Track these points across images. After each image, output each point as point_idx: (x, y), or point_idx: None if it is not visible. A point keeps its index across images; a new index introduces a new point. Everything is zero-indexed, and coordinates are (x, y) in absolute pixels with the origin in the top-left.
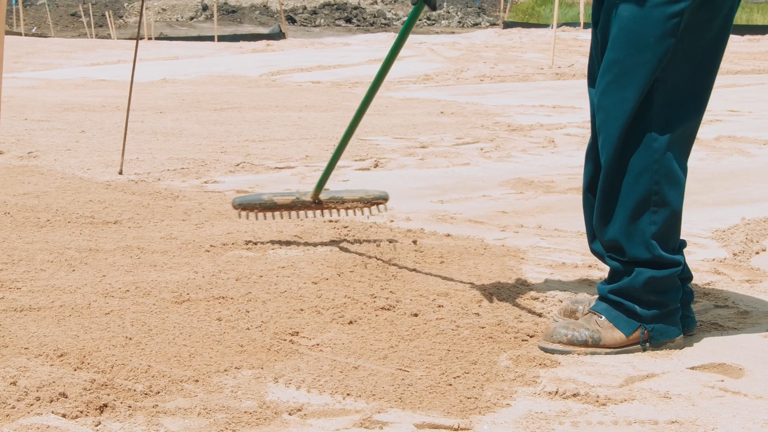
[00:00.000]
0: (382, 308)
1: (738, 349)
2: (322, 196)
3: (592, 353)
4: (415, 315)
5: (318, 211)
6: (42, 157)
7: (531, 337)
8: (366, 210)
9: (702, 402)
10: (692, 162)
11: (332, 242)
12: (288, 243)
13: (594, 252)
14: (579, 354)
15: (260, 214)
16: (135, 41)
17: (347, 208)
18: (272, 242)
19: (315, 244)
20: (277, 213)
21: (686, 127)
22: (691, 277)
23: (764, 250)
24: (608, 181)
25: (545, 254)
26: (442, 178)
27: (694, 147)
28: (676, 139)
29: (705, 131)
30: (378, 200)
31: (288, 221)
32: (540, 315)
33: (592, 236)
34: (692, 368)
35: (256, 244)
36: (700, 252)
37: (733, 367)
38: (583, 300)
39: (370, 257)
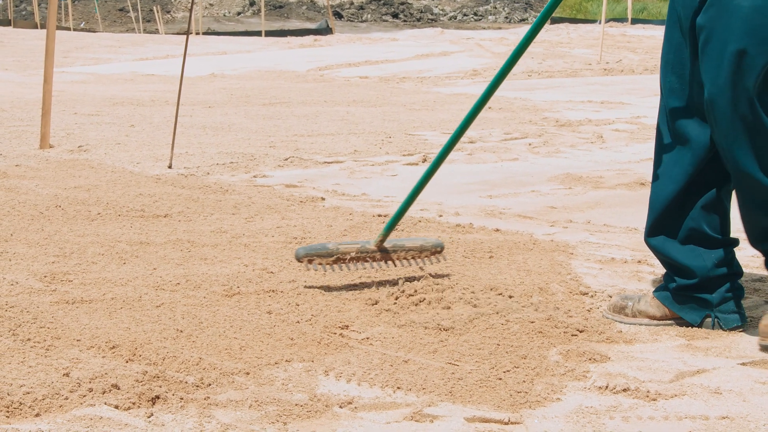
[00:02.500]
0: (431, 302)
1: None
2: (386, 244)
3: None
4: (465, 309)
5: (382, 262)
6: (92, 150)
7: (580, 332)
8: (426, 259)
9: (753, 398)
10: None
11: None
12: (338, 237)
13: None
14: None
15: (327, 265)
16: (184, 36)
17: (408, 258)
18: (322, 237)
19: (365, 239)
20: (341, 263)
21: None
22: (741, 273)
23: None
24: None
25: (594, 249)
26: (490, 173)
27: None
28: None
29: None
30: (437, 248)
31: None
32: (589, 310)
33: (657, 230)
34: (743, 364)
35: (306, 238)
36: (749, 248)
37: None
38: (632, 296)
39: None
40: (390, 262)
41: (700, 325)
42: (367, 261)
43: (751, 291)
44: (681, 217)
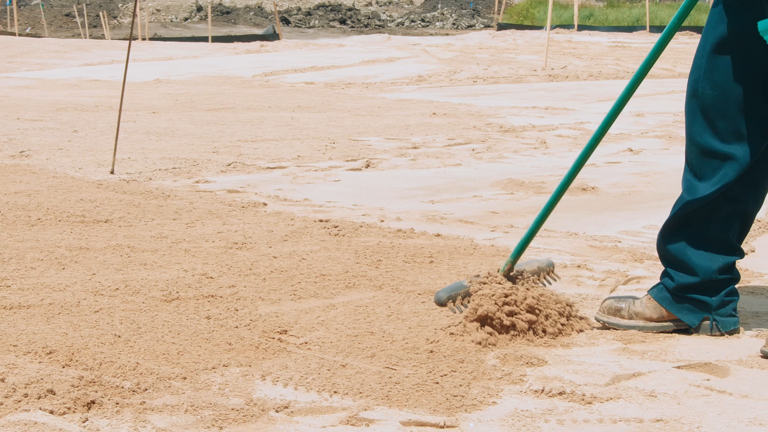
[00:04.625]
0: (370, 308)
1: (725, 348)
2: (512, 272)
3: None
4: (404, 314)
5: None
6: (34, 156)
7: (520, 335)
8: (544, 281)
9: (687, 401)
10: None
11: (323, 242)
12: (279, 243)
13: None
14: None
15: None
16: (130, 41)
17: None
18: (263, 242)
19: (306, 244)
20: None
21: None
22: (739, 278)
23: (753, 251)
24: None
25: (535, 254)
26: (433, 178)
27: None
28: None
29: None
30: (550, 268)
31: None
32: (528, 313)
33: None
34: (678, 367)
35: (246, 243)
36: None
37: (719, 366)
38: (626, 298)
39: (360, 257)
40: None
41: (697, 328)
42: None
43: None
44: (708, 221)
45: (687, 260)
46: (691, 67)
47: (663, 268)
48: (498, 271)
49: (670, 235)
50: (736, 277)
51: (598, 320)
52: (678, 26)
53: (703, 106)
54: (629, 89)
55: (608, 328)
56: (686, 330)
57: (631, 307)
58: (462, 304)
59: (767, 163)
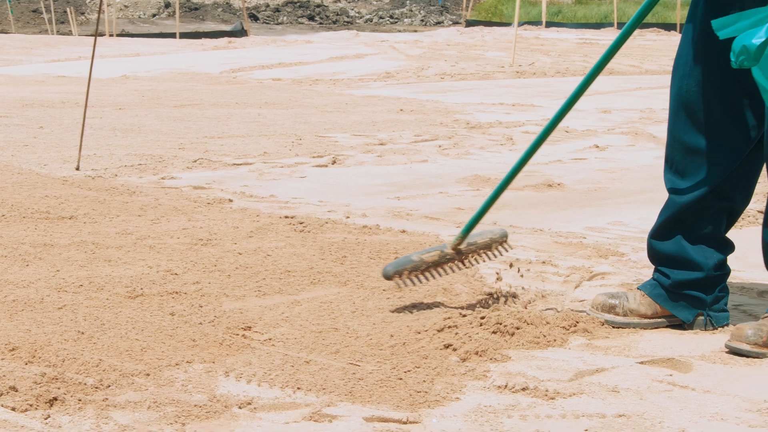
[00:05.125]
0: (335, 304)
1: (688, 343)
2: (462, 246)
3: None
4: (369, 310)
5: (460, 263)
6: None
7: (483, 331)
8: (496, 251)
9: (650, 396)
10: (651, 160)
11: (288, 238)
12: (244, 239)
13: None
14: None
15: (414, 278)
16: (95, 37)
17: (480, 254)
18: (228, 238)
19: (271, 240)
20: (428, 273)
21: None
22: (730, 273)
23: None
24: None
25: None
26: (399, 175)
27: (652, 145)
28: None
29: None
30: (503, 239)
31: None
32: (492, 310)
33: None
34: (642, 363)
35: (211, 239)
36: None
37: (682, 361)
38: (619, 294)
39: (325, 253)
40: (466, 262)
41: (691, 324)
42: (446, 265)
43: None
44: (701, 219)
45: (687, 257)
46: (674, 64)
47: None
48: (449, 246)
49: (664, 237)
50: (728, 272)
51: (594, 317)
52: (638, 23)
53: (687, 104)
54: (588, 78)
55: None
56: (679, 325)
57: (625, 304)
58: (408, 278)
59: (755, 161)
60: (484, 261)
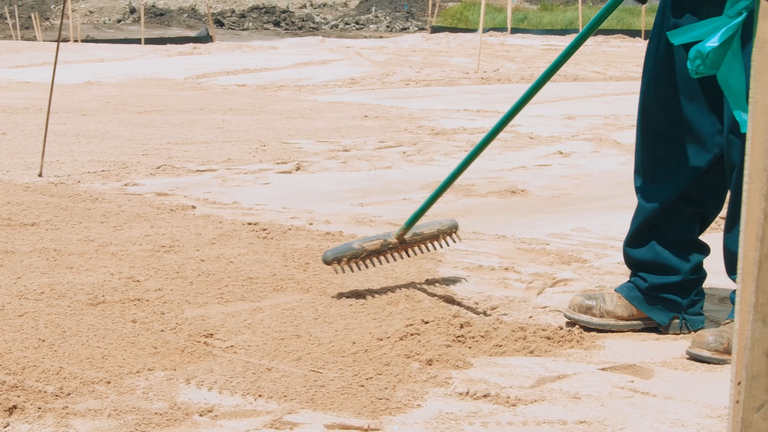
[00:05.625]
0: (297, 311)
1: (649, 350)
2: (406, 236)
3: None
4: (331, 317)
5: (404, 252)
6: None
7: (446, 337)
8: (443, 242)
9: (611, 402)
10: (614, 166)
11: (251, 245)
12: (207, 246)
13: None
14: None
15: (354, 264)
16: (62, 43)
17: (427, 244)
18: (191, 245)
19: (234, 247)
20: (368, 260)
21: None
22: (706, 277)
23: None
24: None
25: (463, 257)
26: (363, 181)
27: (616, 152)
28: None
29: (627, 135)
30: (452, 229)
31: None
32: (454, 316)
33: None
34: (603, 369)
35: (174, 246)
36: (616, 255)
37: (643, 367)
38: (596, 296)
39: (288, 260)
40: (411, 251)
41: (667, 327)
42: (389, 254)
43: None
44: (674, 224)
45: (663, 261)
46: (642, 71)
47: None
48: (393, 235)
49: (638, 244)
50: (704, 276)
51: (568, 318)
52: (594, 29)
53: (653, 110)
54: (541, 79)
55: (575, 325)
56: (655, 329)
57: (602, 306)
58: (347, 265)
59: (723, 168)
60: (430, 250)
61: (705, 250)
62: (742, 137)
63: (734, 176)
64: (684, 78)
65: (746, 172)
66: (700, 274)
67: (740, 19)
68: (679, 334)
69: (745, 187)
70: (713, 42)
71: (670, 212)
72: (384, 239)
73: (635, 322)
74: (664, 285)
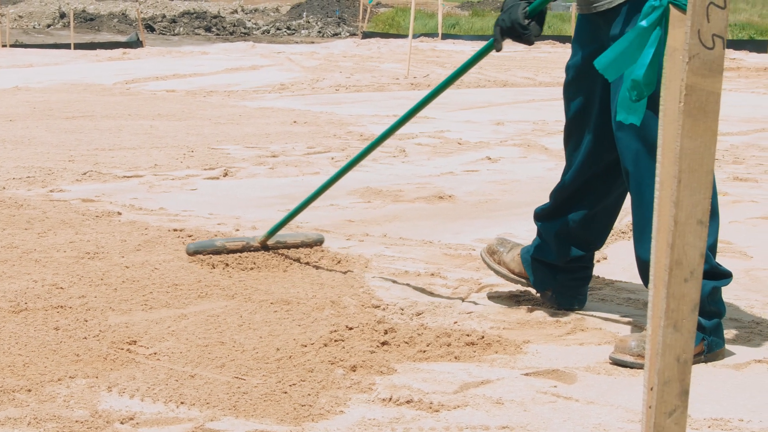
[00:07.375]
0: (222, 317)
1: (573, 355)
2: (269, 242)
3: None
4: (256, 323)
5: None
6: None
7: (370, 343)
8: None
9: (534, 407)
10: (541, 172)
11: (176, 251)
12: (132, 252)
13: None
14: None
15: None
16: None
17: (290, 252)
18: (116, 252)
19: (159, 254)
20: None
21: None
22: (593, 266)
23: (605, 258)
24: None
25: (389, 263)
26: (291, 187)
27: (544, 157)
28: None
29: (555, 141)
30: (316, 243)
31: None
32: (379, 322)
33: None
34: (527, 374)
35: (98, 253)
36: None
37: (566, 372)
38: (506, 245)
39: (214, 266)
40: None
41: (542, 296)
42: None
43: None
44: (573, 214)
45: (548, 243)
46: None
47: None
48: (256, 240)
49: (543, 217)
50: (587, 267)
51: (481, 256)
52: (470, 66)
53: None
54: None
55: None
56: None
57: (503, 256)
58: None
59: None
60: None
61: (588, 248)
62: (632, 144)
63: (630, 182)
64: (577, 96)
65: (657, 179)
66: (583, 263)
67: (658, 31)
68: (554, 309)
69: (656, 194)
70: (643, 65)
71: (574, 203)
72: (247, 242)
73: (521, 279)
74: (546, 262)
